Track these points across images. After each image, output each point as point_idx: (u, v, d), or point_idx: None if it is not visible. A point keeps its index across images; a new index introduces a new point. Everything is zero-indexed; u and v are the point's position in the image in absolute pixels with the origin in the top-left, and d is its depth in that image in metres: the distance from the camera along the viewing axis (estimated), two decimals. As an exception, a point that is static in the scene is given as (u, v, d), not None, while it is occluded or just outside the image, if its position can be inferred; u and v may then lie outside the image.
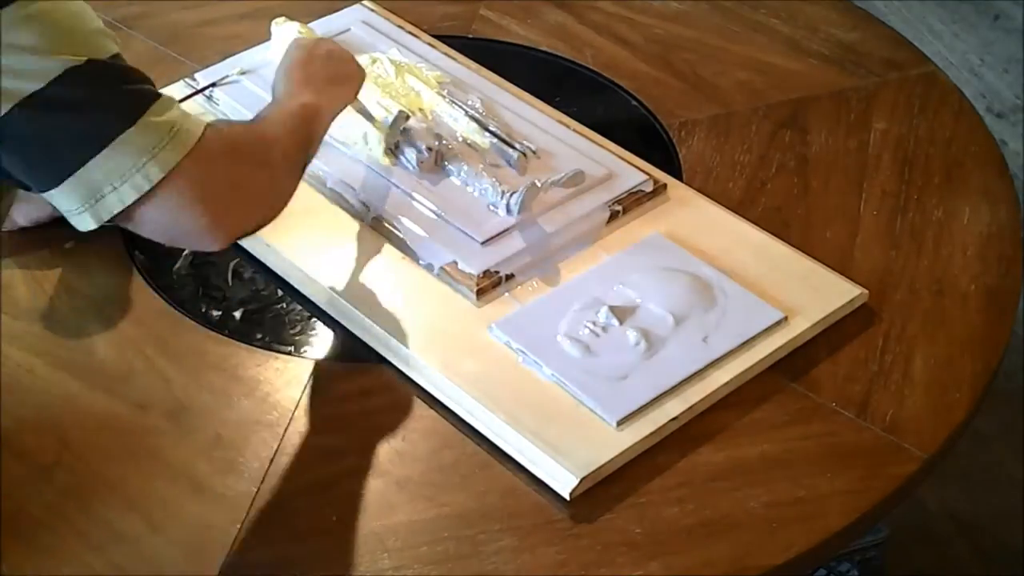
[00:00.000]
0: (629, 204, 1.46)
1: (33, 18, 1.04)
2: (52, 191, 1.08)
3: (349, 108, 1.52)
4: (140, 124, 1.07)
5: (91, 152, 1.06)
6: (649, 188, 1.48)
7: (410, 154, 1.47)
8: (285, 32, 1.62)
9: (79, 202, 1.08)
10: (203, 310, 1.39)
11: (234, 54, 1.65)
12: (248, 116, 1.54)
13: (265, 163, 1.19)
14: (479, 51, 1.71)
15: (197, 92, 1.59)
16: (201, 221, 1.12)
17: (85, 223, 1.10)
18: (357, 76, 1.42)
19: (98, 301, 1.38)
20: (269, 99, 1.58)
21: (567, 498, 1.19)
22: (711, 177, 1.55)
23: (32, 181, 1.10)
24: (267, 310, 1.40)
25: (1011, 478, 2.20)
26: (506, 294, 1.37)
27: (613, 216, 1.45)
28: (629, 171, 1.49)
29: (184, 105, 1.16)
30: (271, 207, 1.20)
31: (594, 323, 1.32)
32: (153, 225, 1.12)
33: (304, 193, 1.48)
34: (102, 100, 1.07)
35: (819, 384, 1.30)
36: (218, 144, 1.12)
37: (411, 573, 1.15)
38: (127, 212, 1.09)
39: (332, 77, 1.37)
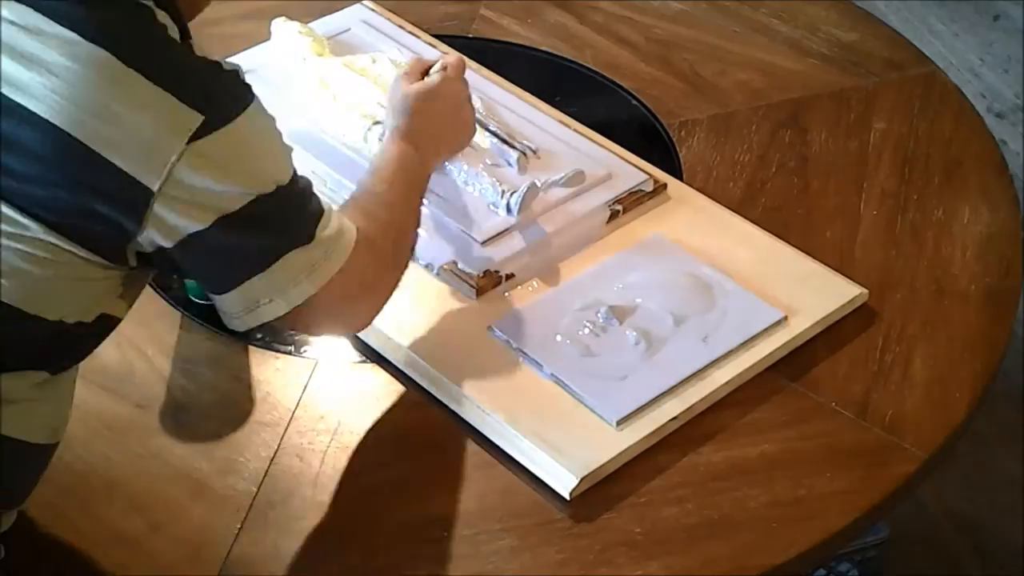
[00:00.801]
0: (629, 204, 1.46)
1: (236, 147, 1.06)
2: (216, 296, 1.12)
3: (349, 108, 1.53)
4: (307, 246, 1.11)
5: (259, 269, 1.09)
6: (649, 188, 1.48)
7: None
8: (285, 32, 1.62)
9: (237, 308, 1.12)
10: (203, 310, 1.38)
11: (234, 54, 1.65)
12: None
13: (398, 264, 1.24)
14: (479, 51, 1.71)
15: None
16: (340, 323, 1.22)
17: (236, 326, 1.13)
18: (468, 139, 1.44)
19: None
20: (270, 100, 1.58)
21: (567, 498, 1.19)
22: (711, 177, 1.55)
23: (201, 283, 1.15)
24: (267, 310, 1.39)
25: (1011, 478, 2.20)
26: (506, 294, 1.37)
27: (613, 216, 1.45)
28: (629, 171, 1.49)
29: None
30: (389, 298, 1.23)
31: (594, 323, 1.32)
32: (296, 326, 1.19)
33: (304, 193, 1.49)
34: (281, 225, 1.10)
35: (819, 384, 1.30)
36: (364, 256, 1.15)
37: (411, 573, 1.15)
38: (276, 319, 1.13)
39: (451, 145, 1.41)
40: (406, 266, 1.25)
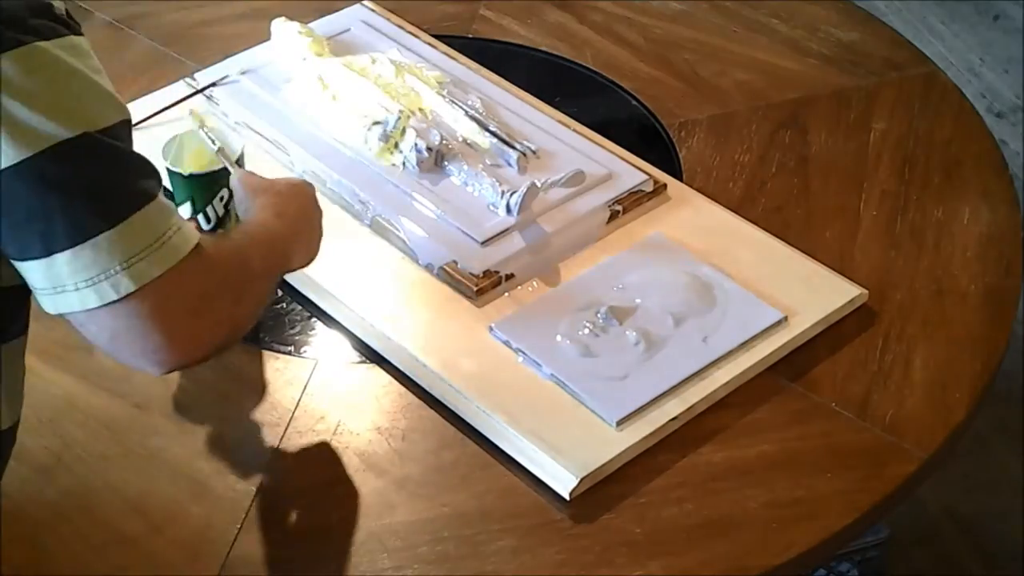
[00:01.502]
0: (629, 204, 1.46)
1: (43, 67, 0.95)
2: (17, 263, 0.99)
3: (349, 108, 1.53)
4: (123, 227, 0.96)
5: (62, 244, 0.95)
6: (649, 188, 1.48)
7: (410, 154, 1.47)
8: (285, 32, 1.62)
9: (42, 283, 0.98)
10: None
11: (234, 54, 1.65)
12: (249, 115, 1.55)
13: (239, 299, 1.07)
14: (479, 51, 1.71)
15: (197, 92, 1.59)
16: (151, 345, 1.00)
17: (42, 304, 1.00)
18: (317, 246, 1.27)
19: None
20: (270, 100, 1.58)
21: (567, 498, 1.19)
22: (711, 177, 1.55)
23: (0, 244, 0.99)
24: (267, 310, 1.39)
25: (1011, 478, 2.20)
26: (506, 294, 1.37)
27: (613, 216, 1.45)
28: (629, 171, 1.49)
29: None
30: (225, 341, 1.07)
31: (594, 323, 1.32)
32: (99, 334, 1.00)
33: (304, 193, 1.49)
34: (89, 189, 0.96)
35: (819, 384, 1.30)
36: (201, 268, 1.01)
37: (411, 573, 1.15)
38: (82, 313, 0.98)
39: (307, 237, 1.26)
40: (248, 313, 1.09)
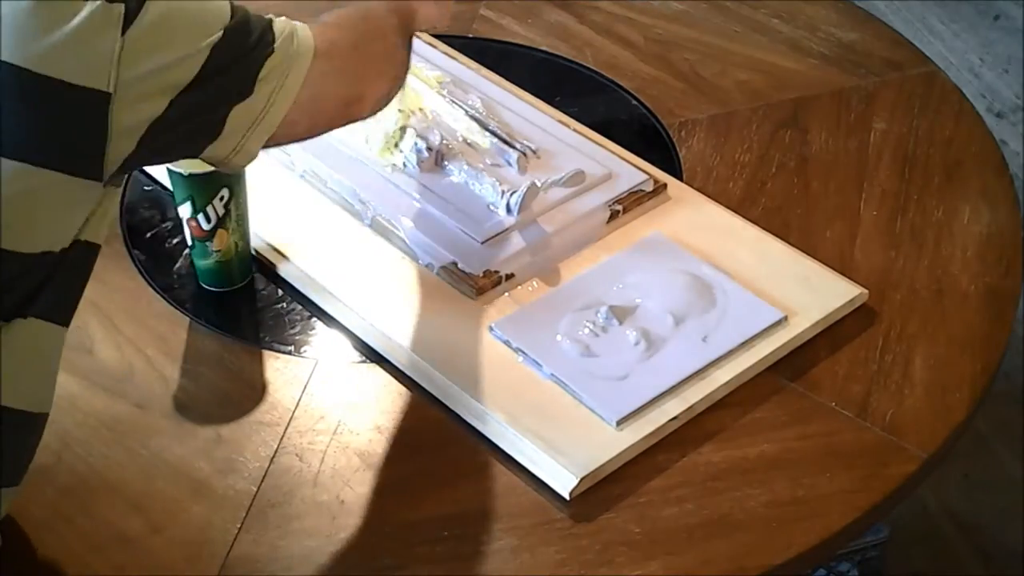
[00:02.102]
0: (629, 204, 1.46)
1: (168, 15, 1.04)
2: (207, 147, 1.11)
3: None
4: (274, 53, 1.10)
5: (236, 100, 1.09)
6: (649, 188, 1.48)
7: (410, 154, 1.47)
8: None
9: (217, 157, 1.12)
10: (203, 310, 1.39)
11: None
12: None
13: (379, 35, 1.23)
14: (479, 51, 1.71)
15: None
16: (346, 102, 1.20)
17: (243, 160, 1.13)
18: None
19: (98, 301, 1.38)
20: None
21: (567, 498, 1.19)
22: (711, 177, 1.55)
23: (191, 150, 1.12)
24: (267, 310, 1.40)
25: (1011, 478, 2.20)
26: (506, 294, 1.37)
27: (613, 216, 1.45)
28: (629, 171, 1.49)
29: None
30: (397, 72, 1.25)
31: (594, 323, 1.32)
32: (311, 127, 1.18)
33: (304, 193, 1.49)
34: (235, 73, 1.08)
35: (819, 384, 1.30)
36: (329, 47, 1.15)
37: (411, 573, 1.15)
38: (277, 132, 1.13)
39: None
40: (400, 57, 1.26)
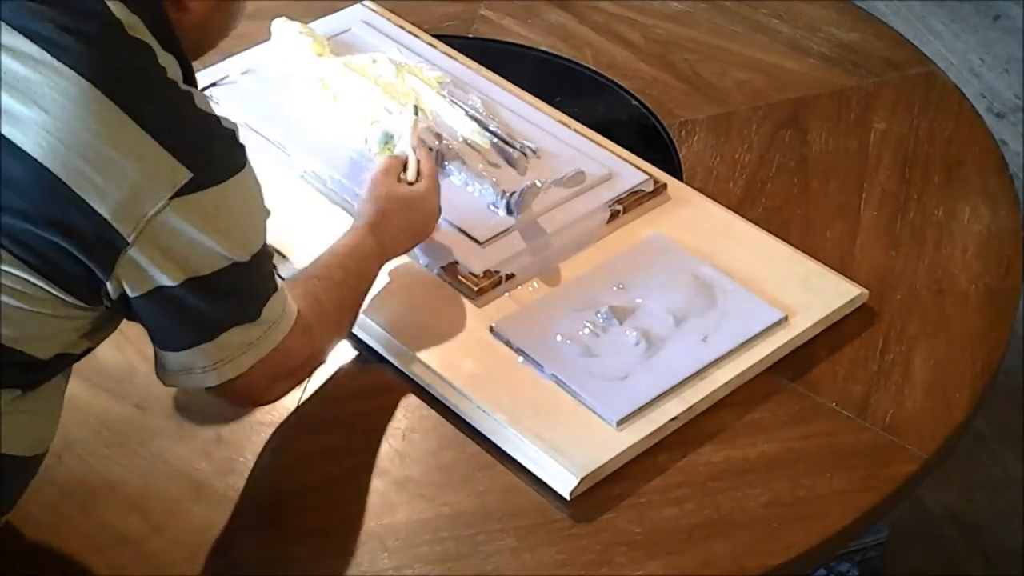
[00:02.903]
0: (629, 204, 1.46)
1: (220, 210, 1.04)
2: (161, 351, 1.10)
3: (349, 108, 1.53)
4: (252, 323, 1.09)
5: (207, 338, 1.07)
6: (649, 188, 1.48)
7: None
8: (285, 32, 1.62)
9: (173, 366, 1.10)
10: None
11: (234, 54, 1.65)
12: (249, 115, 1.55)
13: (323, 354, 1.22)
14: (479, 51, 1.71)
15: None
16: (251, 400, 1.20)
17: (161, 377, 1.12)
18: (432, 230, 1.38)
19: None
20: (270, 100, 1.58)
21: (567, 498, 1.19)
22: (711, 177, 1.55)
23: (152, 337, 1.10)
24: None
25: (1011, 478, 2.20)
26: (506, 294, 1.37)
27: (613, 216, 1.45)
28: (629, 171, 1.49)
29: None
30: (352, 325, 1.26)
31: (594, 323, 1.32)
32: (217, 396, 1.14)
33: (304, 193, 1.49)
34: (243, 296, 1.09)
35: (819, 384, 1.30)
36: (299, 340, 1.14)
37: (411, 573, 1.15)
38: (200, 389, 1.12)
39: (411, 237, 1.36)
40: (339, 337, 1.25)
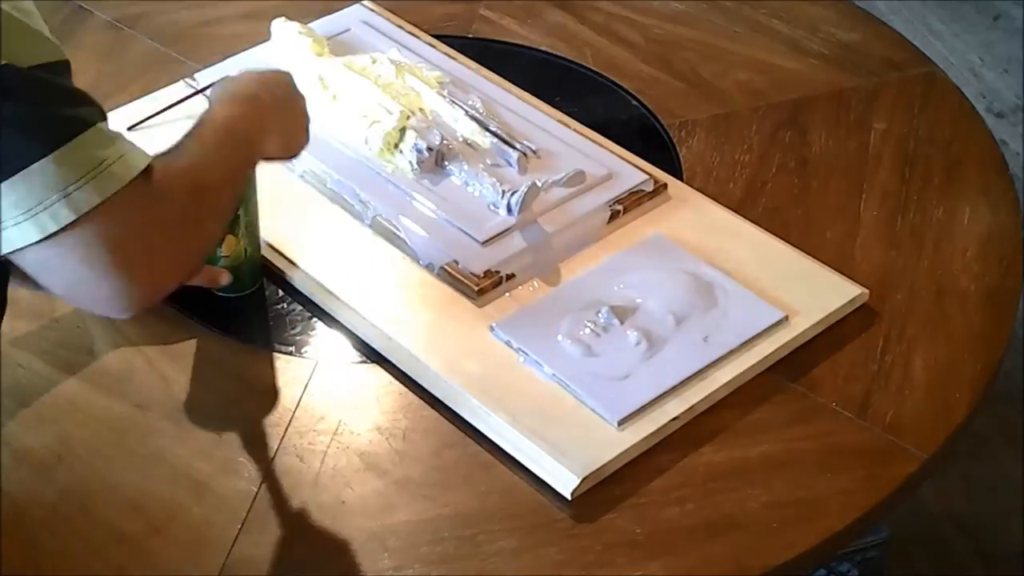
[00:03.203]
0: (630, 204, 1.46)
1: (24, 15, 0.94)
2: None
3: (349, 108, 1.53)
4: (58, 154, 0.93)
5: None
6: (649, 188, 1.48)
7: (410, 154, 1.47)
8: (285, 32, 1.62)
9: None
10: (203, 310, 1.38)
11: (234, 54, 1.65)
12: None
13: (199, 220, 1.04)
14: (479, 51, 1.71)
15: (197, 92, 1.59)
16: (106, 281, 0.97)
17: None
18: (304, 133, 1.27)
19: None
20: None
21: (568, 498, 1.19)
22: (711, 177, 1.55)
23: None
24: (267, 310, 1.39)
25: (1011, 478, 2.20)
26: (507, 294, 1.37)
27: (614, 216, 1.45)
28: (629, 171, 1.49)
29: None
30: (191, 268, 1.06)
31: (595, 323, 1.32)
32: (50, 274, 0.97)
33: (304, 193, 1.49)
34: (16, 118, 0.93)
35: (819, 384, 1.30)
36: (149, 195, 0.97)
37: (411, 573, 1.15)
38: (23, 252, 0.95)
39: (281, 124, 1.23)
40: (211, 232, 1.07)
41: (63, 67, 0.98)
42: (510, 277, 1.38)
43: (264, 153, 1.20)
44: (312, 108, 1.54)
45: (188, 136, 1.09)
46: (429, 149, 1.47)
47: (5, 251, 0.95)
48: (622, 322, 1.32)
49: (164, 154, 1.04)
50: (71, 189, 0.93)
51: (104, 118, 0.99)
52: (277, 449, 1.25)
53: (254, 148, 1.17)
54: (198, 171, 1.06)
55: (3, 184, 0.92)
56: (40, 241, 0.94)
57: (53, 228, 0.93)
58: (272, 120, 1.22)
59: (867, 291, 1.37)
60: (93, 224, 0.94)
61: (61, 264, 0.95)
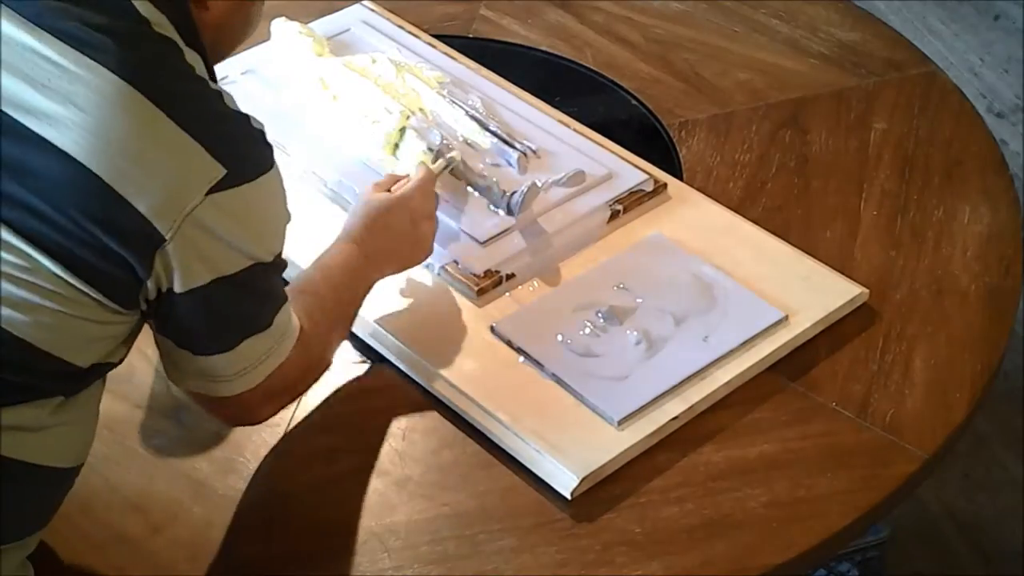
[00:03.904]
0: (630, 204, 1.46)
1: (250, 208, 1.04)
2: (181, 353, 1.08)
3: (349, 108, 1.53)
4: (266, 331, 1.09)
5: (232, 343, 1.07)
6: (649, 188, 1.48)
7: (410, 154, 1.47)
8: (285, 32, 1.62)
9: (182, 375, 1.10)
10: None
11: (234, 54, 1.65)
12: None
13: (317, 372, 1.21)
14: (479, 51, 1.71)
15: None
16: (248, 418, 1.17)
17: (174, 380, 1.12)
18: (424, 257, 1.36)
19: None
20: (270, 101, 1.58)
21: (568, 498, 1.19)
22: (711, 177, 1.55)
23: (178, 339, 1.08)
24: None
25: (1011, 478, 2.20)
26: (507, 294, 1.37)
27: (613, 216, 1.45)
28: (629, 171, 1.49)
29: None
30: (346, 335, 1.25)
31: (595, 323, 1.32)
32: (212, 407, 1.14)
33: (304, 193, 1.49)
34: (263, 299, 1.09)
35: (819, 384, 1.30)
36: (298, 356, 1.13)
37: (411, 573, 1.15)
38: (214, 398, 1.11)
39: (403, 261, 1.34)
40: (327, 362, 1.22)
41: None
42: (510, 277, 1.38)
43: (376, 281, 1.31)
44: (312, 108, 1.55)
45: (321, 275, 1.23)
46: (429, 149, 1.45)
47: (210, 395, 1.11)
48: (622, 322, 1.32)
49: (304, 298, 1.18)
50: (272, 350, 1.10)
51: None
52: (277, 449, 1.25)
53: (371, 283, 1.29)
54: (330, 330, 1.21)
55: (231, 352, 1.08)
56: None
57: (242, 390, 1.10)
58: (394, 257, 1.32)
59: (867, 291, 1.37)
60: (265, 382, 1.11)
61: (223, 404, 1.12)
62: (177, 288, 1.02)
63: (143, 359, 1.33)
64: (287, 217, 1.11)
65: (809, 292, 1.36)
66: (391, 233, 1.30)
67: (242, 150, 1.04)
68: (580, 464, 1.20)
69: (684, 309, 1.33)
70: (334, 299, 1.22)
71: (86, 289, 0.99)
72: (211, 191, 1.00)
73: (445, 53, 1.67)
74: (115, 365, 1.09)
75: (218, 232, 1.02)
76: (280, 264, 1.11)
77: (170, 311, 1.05)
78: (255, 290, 1.08)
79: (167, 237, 0.99)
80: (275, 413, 1.18)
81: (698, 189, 1.51)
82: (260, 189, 1.05)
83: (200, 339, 1.07)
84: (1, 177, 0.97)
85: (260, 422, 1.18)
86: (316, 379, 1.21)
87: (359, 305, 1.27)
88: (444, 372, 1.29)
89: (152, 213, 0.98)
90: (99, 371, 1.07)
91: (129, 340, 1.08)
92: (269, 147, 1.07)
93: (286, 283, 1.14)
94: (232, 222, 1.02)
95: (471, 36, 1.78)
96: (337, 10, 1.75)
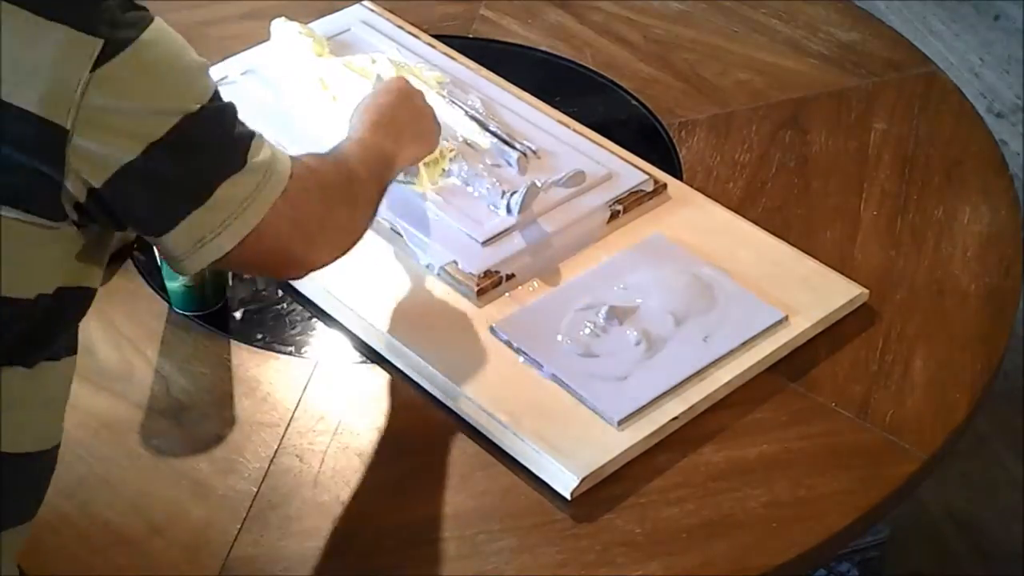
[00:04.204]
0: (629, 204, 1.46)
1: (146, 67, 1.00)
2: (159, 238, 1.05)
3: (349, 108, 1.52)
4: (241, 172, 1.05)
5: (198, 201, 1.03)
6: (649, 188, 1.48)
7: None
8: (285, 32, 1.62)
9: (182, 248, 1.05)
10: (203, 310, 1.38)
11: (234, 54, 1.65)
12: (248, 115, 1.54)
13: (350, 202, 1.19)
14: (479, 51, 1.71)
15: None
16: (290, 258, 1.13)
17: (184, 269, 1.07)
18: (434, 136, 1.39)
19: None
20: (270, 101, 1.58)
21: (568, 498, 1.19)
22: (711, 177, 1.55)
23: (141, 227, 1.05)
24: (267, 310, 1.40)
25: (1011, 478, 2.20)
26: (506, 294, 1.37)
27: (613, 216, 1.45)
28: (629, 171, 1.49)
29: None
30: (350, 243, 1.19)
31: (595, 323, 1.32)
32: (245, 265, 1.15)
33: (304, 193, 1.49)
34: (214, 148, 1.05)
35: (819, 384, 1.30)
36: (307, 182, 1.11)
37: (411, 573, 1.15)
38: (224, 257, 1.07)
39: (414, 134, 1.35)
40: (367, 209, 1.21)
41: (219, 93, 1.08)
42: (510, 277, 1.38)
43: (401, 163, 1.33)
44: (312, 108, 1.55)
45: (344, 143, 1.25)
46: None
47: (204, 265, 1.06)
48: (622, 322, 1.32)
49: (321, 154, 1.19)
50: (254, 196, 1.06)
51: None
52: (277, 449, 1.25)
53: (393, 161, 1.30)
54: (348, 164, 1.20)
55: (203, 205, 1.04)
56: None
57: (244, 233, 1.06)
58: (403, 138, 1.33)
59: (867, 291, 1.37)
60: (273, 219, 1.07)
61: (250, 256, 1.08)
62: (105, 175, 0.98)
63: (143, 359, 1.33)
64: (196, 62, 1.05)
65: (809, 292, 1.37)
66: (393, 102, 1.34)
67: (111, 16, 0.99)
68: (580, 464, 1.20)
69: (684, 309, 1.33)
70: (353, 158, 1.22)
71: (4, 211, 0.96)
72: (96, 66, 0.96)
73: (445, 53, 1.67)
74: (81, 308, 1.05)
75: (123, 103, 0.98)
76: (219, 106, 1.05)
77: (115, 202, 1.00)
78: (198, 141, 1.02)
79: (69, 127, 0.96)
80: (327, 250, 1.16)
81: (698, 189, 1.51)
82: (148, 45, 1.00)
83: (162, 214, 1.03)
84: None
85: (318, 263, 1.16)
86: (355, 211, 1.19)
87: (384, 174, 1.27)
88: (444, 372, 1.29)
89: (42, 108, 0.95)
90: (63, 316, 1.03)
91: (83, 264, 1.03)
92: (141, 6, 1.03)
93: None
94: (134, 87, 0.99)
95: (471, 36, 1.78)
96: (337, 10, 1.75)
